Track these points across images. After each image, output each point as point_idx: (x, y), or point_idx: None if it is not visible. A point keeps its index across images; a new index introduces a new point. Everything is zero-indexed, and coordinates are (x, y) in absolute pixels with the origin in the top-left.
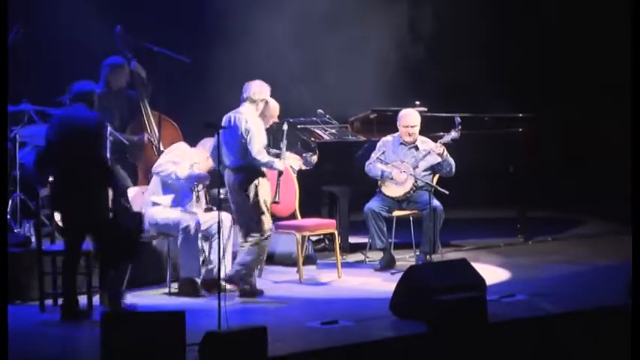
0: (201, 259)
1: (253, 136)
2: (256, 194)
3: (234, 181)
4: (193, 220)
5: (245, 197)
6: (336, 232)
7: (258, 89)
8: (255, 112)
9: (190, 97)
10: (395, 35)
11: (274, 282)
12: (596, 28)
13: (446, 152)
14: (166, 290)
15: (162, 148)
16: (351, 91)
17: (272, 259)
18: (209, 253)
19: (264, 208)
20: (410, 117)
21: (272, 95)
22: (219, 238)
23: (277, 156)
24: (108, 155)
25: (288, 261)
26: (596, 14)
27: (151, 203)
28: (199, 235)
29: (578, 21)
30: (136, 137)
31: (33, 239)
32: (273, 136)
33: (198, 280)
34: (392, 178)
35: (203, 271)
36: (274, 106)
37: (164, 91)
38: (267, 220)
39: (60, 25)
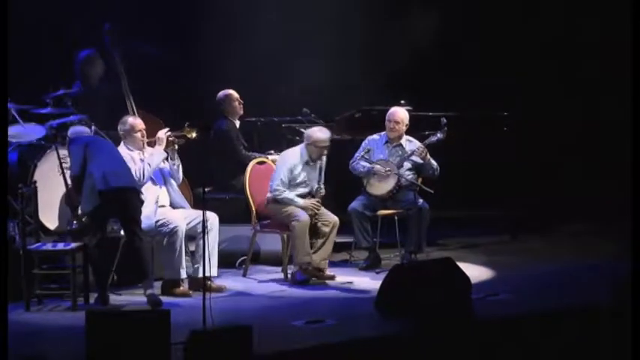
0: (187, 258)
1: (274, 172)
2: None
3: None
4: (180, 221)
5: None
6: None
7: (307, 135)
8: (299, 152)
9: (176, 94)
10: (381, 36)
11: (259, 281)
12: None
13: (428, 156)
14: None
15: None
16: (336, 91)
17: (257, 259)
18: (195, 251)
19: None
20: (396, 113)
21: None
22: (204, 237)
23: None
24: None
25: (273, 260)
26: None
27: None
28: (183, 236)
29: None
30: None
31: (17, 238)
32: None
33: (182, 281)
34: (375, 174)
35: (190, 270)
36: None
37: (150, 89)
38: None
39: (42, 22)
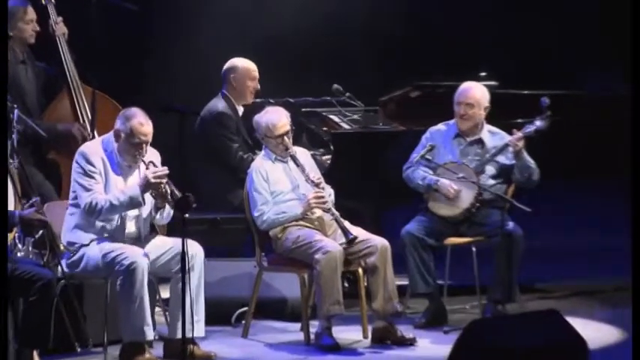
0: (157, 310)
1: (250, 199)
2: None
3: None
4: (137, 254)
5: None
6: (359, 269)
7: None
8: (263, 155)
9: (137, 65)
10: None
11: (267, 344)
12: None
13: (524, 153)
14: (101, 358)
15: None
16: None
17: (264, 310)
18: (170, 300)
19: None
20: (470, 90)
21: None
22: (183, 277)
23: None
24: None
25: (288, 313)
26: None
27: None
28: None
29: None
30: (61, 126)
31: None
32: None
33: (149, 344)
34: (437, 190)
35: (163, 329)
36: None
37: (105, 60)
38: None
39: None
